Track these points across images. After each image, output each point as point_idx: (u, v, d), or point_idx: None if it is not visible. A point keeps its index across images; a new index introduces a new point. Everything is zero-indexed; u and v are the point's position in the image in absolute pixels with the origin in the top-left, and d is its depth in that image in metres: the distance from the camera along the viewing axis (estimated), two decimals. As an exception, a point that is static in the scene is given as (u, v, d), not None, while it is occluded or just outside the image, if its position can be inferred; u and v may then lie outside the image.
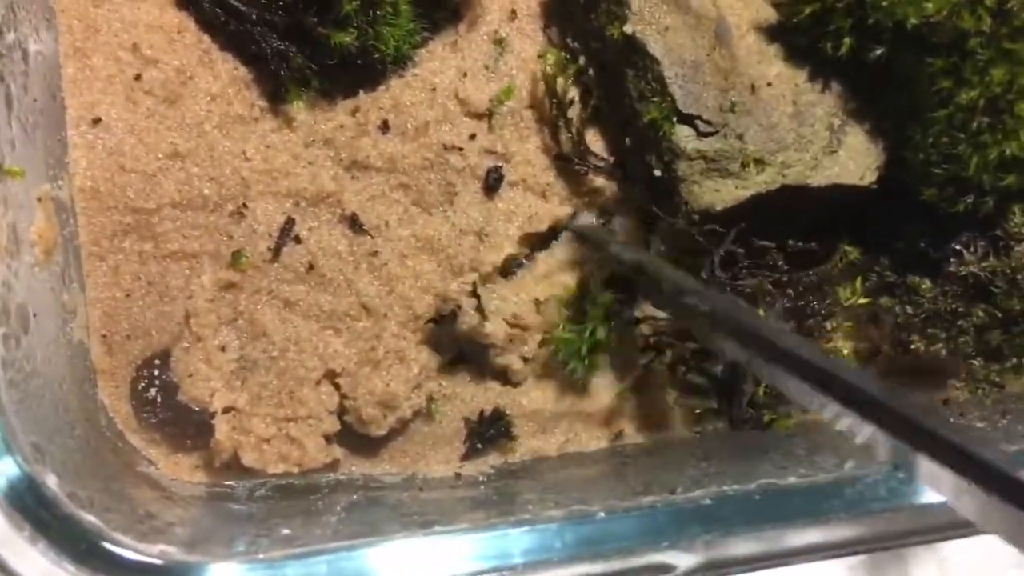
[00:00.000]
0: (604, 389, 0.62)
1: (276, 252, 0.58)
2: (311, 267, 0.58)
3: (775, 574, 0.73)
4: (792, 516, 0.49)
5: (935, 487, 0.39)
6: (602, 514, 0.50)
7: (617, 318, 0.60)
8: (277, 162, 0.59)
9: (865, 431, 0.40)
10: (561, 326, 0.60)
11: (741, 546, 0.49)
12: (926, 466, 0.39)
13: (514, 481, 0.57)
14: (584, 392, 0.62)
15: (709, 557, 0.49)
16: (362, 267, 0.58)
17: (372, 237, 0.59)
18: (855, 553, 0.50)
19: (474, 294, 0.58)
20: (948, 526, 0.50)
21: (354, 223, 0.59)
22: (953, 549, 0.73)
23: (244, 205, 0.58)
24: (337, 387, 0.57)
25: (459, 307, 0.58)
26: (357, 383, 0.57)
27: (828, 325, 0.65)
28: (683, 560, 0.49)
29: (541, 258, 0.62)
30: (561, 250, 0.62)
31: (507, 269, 0.61)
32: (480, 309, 0.57)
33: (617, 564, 0.49)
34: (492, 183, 0.61)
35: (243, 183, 0.58)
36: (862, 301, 0.64)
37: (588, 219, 0.62)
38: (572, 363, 0.58)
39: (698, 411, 0.62)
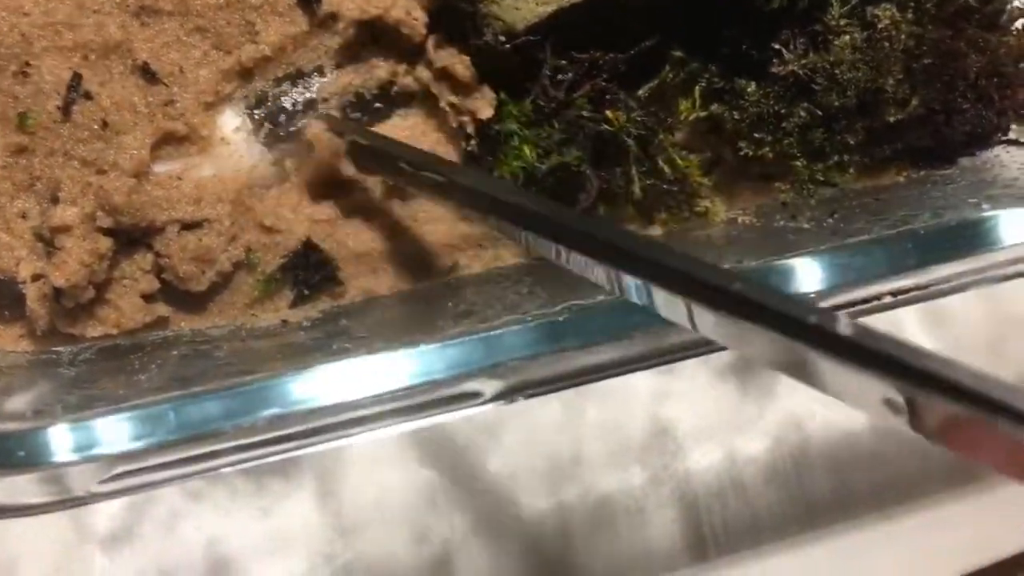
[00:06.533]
0: (436, 223, 0.61)
1: (66, 110, 0.55)
2: (105, 124, 0.55)
3: (589, 389, 0.75)
4: (594, 335, 0.49)
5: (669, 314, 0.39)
6: (412, 348, 0.50)
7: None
8: (59, 14, 0.55)
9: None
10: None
11: (545, 368, 0.50)
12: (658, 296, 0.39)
13: (337, 324, 0.57)
14: (416, 229, 0.61)
15: (514, 381, 0.50)
16: (158, 118, 0.56)
17: (167, 86, 0.56)
18: (659, 364, 0.51)
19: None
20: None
21: (147, 72, 0.56)
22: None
23: (27, 64, 0.55)
24: (149, 246, 0.56)
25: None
26: (169, 240, 0.56)
27: (673, 137, 0.64)
28: (489, 386, 0.50)
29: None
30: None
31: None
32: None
33: (426, 396, 0.50)
34: (293, 18, 0.58)
35: (24, 40, 0.55)
36: (702, 114, 0.63)
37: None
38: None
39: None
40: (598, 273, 0.41)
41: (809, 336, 0.32)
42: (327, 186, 0.58)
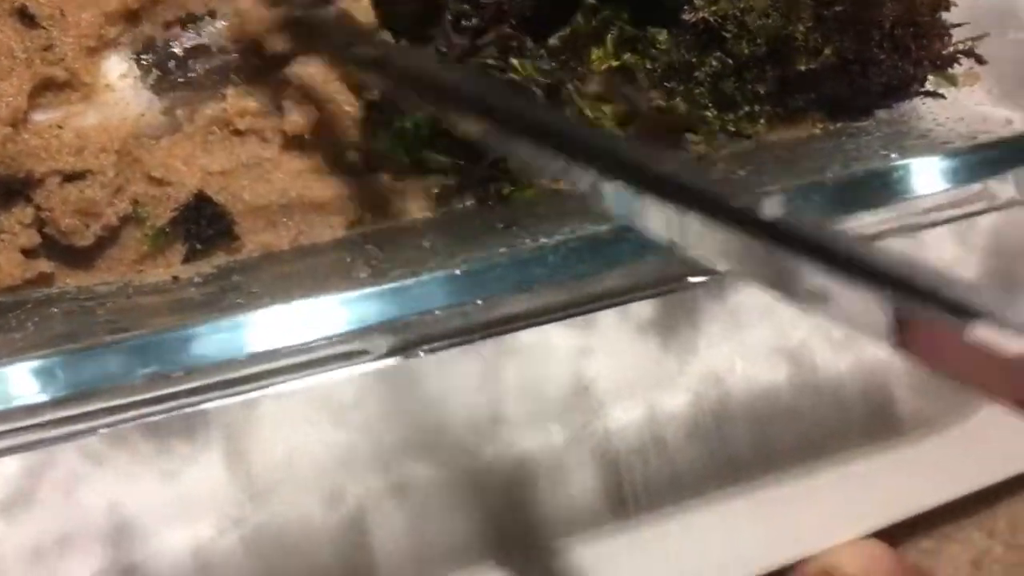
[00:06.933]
0: (339, 175, 0.59)
1: (-64, 55, 0.52)
2: (-21, 69, 0.52)
3: (507, 346, 0.74)
4: (493, 288, 0.48)
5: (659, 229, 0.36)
6: (304, 303, 0.48)
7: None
8: (-74, -49, 0.52)
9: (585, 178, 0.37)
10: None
11: (443, 322, 0.48)
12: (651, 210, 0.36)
13: (230, 279, 0.55)
14: (316, 181, 0.58)
15: (405, 338, 0.48)
16: (36, 63, 0.53)
17: (46, 29, 0.53)
18: (562, 318, 0.50)
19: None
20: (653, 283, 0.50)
21: (24, 15, 0.53)
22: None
23: None
24: (29, 199, 0.53)
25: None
26: (49, 192, 0.53)
27: (588, 88, 0.63)
28: (377, 344, 0.48)
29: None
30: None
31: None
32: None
33: (320, 352, 0.48)
34: (182, -43, 0.55)
35: None
36: (614, 63, 0.62)
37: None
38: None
39: (436, 190, 0.59)
40: (577, 176, 0.37)
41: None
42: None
